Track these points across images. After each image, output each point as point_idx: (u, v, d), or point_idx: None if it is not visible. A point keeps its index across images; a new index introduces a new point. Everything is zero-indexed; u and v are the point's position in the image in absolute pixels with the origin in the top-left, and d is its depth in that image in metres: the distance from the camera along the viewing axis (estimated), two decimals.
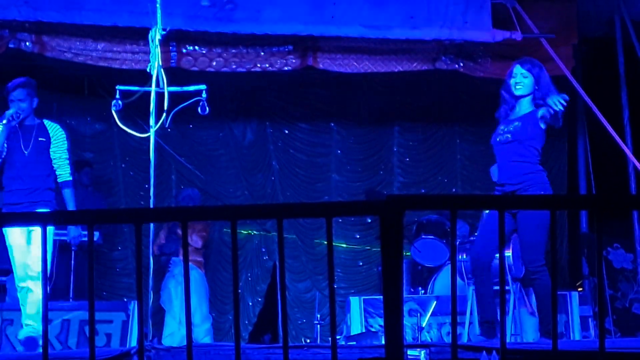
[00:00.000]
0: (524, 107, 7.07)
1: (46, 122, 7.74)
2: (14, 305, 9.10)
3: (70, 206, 7.54)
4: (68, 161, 7.66)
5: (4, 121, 7.45)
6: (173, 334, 10.16)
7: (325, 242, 3.83)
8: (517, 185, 6.97)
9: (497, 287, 8.79)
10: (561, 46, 9.99)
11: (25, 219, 4.50)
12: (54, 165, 7.60)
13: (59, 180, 7.60)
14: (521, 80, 7.02)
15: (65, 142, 7.67)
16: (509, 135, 7.04)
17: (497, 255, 8.81)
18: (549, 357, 5.48)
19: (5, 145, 7.50)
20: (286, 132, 12.12)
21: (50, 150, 7.58)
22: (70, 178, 7.63)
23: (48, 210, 7.33)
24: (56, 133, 7.65)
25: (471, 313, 8.85)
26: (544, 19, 10.04)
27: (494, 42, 9.81)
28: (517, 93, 7.04)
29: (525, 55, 10.01)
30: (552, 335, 3.77)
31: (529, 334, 9.15)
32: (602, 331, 3.80)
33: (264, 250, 11.84)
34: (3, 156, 7.53)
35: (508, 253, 8.52)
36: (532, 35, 9.84)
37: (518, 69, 7.08)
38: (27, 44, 9.46)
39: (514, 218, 7.01)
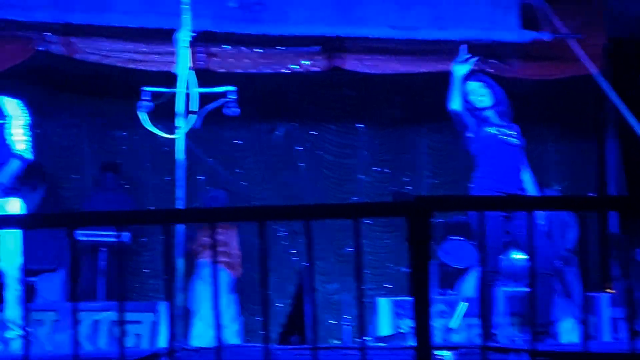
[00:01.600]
0: (493, 117, 7.16)
1: (4, 99, 7.15)
2: (45, 306, 9.17)
3: (5, 173, 6.96)
4: (28, 137, 7.08)
5: None
6: (200, 335, 10.16)
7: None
8: (519, 191, 7.04)
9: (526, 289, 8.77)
10: (590, 46, 9.95)
11: (51, 221, 4.50)
12: (11, 141, 7.07)
13: (12, 151, 7.04)
14: (482, 90, 7.16)
15: (25, 116, 7.10)
16: (515, 140, 7.14)
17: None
18: (579, 358, 5.44)
19: None
20: (313, 133, 12.11)
21: (6, 127, 7.04)
22: (27, 155, 7.06)
23: (18, 199, 7.03)
24: (14, 109, 7.11)
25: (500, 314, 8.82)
26: (572, 19, 9.99)
27: (522, 43, 9.78)
28: (484, 105, 7.14)
29: (554, 55, 10.02)
30: (583, 337, 3.75)
31: (562, 335, 9.13)
32: (633, 333, 3.77)
33: (292, 251, 11.84)
34: None
35: None
36: (561, 35, 9.80)
37: (472, 85, 7.18)
38: (56, 46, 9.50)
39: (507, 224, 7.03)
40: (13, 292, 6.99)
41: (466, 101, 7.17)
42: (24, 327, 6.99)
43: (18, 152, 7.08)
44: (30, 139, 7.16)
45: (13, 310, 7.00)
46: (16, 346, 6.95)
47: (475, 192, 7.10)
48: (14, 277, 6.95)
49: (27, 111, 7.18)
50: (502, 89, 7.25)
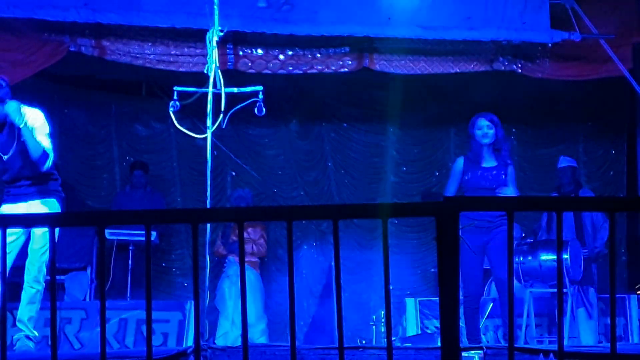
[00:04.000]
0: (488, 154, 7.73)
1: (24, 110, 6.97)
2: (73, 304, 9.22)
3: (30, 135, 6.84)
4: (49, 141, 6.96)
5: None
6: (226, 334, 10.18)
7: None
8: (494, 219, 7.51)
9: (554, 290, 8.75)
10: (620, 46, 9.90)
11: (81, 220, 4.52)
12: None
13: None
14: (487, 131, 7.73)
15: (46, 125, 6.99)
16: (483, 182, 7.63)
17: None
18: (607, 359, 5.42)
19: None
20: (342, 133, 12.12)
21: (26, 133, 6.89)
22: (49, 153, 6.93)
23: (55, 200, 7.03)
24: (35, 120, 6.97)
25: (528, 315, 8.79)
26: (602, 19, 9.94)
27: (552, 43, 9.74)
28: (485, 142, 7.71)
29: (584, 55, 9.97)
30: (611, 338, 3.73)
31: (587, 337, 9.08)
32: None
33: (319, 251, 11.85)
34: None
35: (566, 255, 8.46)
36: (591, 35, 9.75)
37: (483, 122, 7.76)
38: (87, 47, 9.56)
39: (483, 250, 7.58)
40: (28, 291, 6.98)
41: (471, 133, 7.80)
42: (31, 328, 7.00)
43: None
44: (52, 147, 7.05)
45: (24, 310, 7.00)
46: (22, 346, 6.94)
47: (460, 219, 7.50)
48: (33, 276, 6.94)
49: (45, 116, 7.08)
50: (503, 132, 7.85)
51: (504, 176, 7.64)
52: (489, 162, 7.71)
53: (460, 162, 7.79)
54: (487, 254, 7.59)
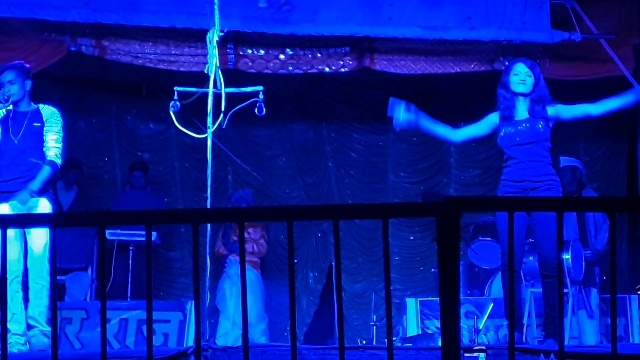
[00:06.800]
0: (521, 107, 6.98)
1: (41, 105, 7.25)
2: (74, 304, 9.22)
3: (36, 181, 7.03)
4: (60, 144, 7.16)
5: None
6: (227, 334, 10.19)
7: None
8: (537, 183, 6.85)
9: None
10: (621, 47, 9.89)
11: (81, 220, 4.52)
12: (44, 147, 7.15)
13: (46, 158, 7.13)
14: (526, 78, 6.95)
15: (59, 123, 7.19)
16: (519, 138, 6.91)
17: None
18: None
19: None
20: (342, 133, 12.12)
21: (43, 131, 7.15)
22: (57, 161, 7.14)
23: (46, 199, 7.08)
24: (50, 115, 7.19)
25: (529, 315, 8.78)
26: (603, 19, 9.94)
27: (552, 43, 9.73)
28: (519, 90, 6.96)
29: (585, 55, 9.96)
30: (612, 339, 3.73)
31: (588, 337, 9.08)
32: None
33: (320, 251, 11.85)
34: None
35: (567, 256, 8.45)
36: (592, 35, 9.75)
37: (522, 67, 6.98)
38: (88, 47, 9.57)
39: (529, 216, 6.92)
40: (34, 287, 6.97)
41: (504, 82, 7.05)
42: (44, 323, 7.01)
43: (50, 159, 7.14)
44: (62, 145, 7.21)
45: (32, 306, 7.01)
46: (38, 343, 6.95)
47: (501, 187, 7.04)
48: (37, 273, 6.95)
49: (61, 118, 7.25)
50: (544, 82, 7.05)
51: (540, 126, 6.85)
52: (522, 115, 6.95)
53: (495, 116, 7.01)
54: (532, 225, 6.97)
